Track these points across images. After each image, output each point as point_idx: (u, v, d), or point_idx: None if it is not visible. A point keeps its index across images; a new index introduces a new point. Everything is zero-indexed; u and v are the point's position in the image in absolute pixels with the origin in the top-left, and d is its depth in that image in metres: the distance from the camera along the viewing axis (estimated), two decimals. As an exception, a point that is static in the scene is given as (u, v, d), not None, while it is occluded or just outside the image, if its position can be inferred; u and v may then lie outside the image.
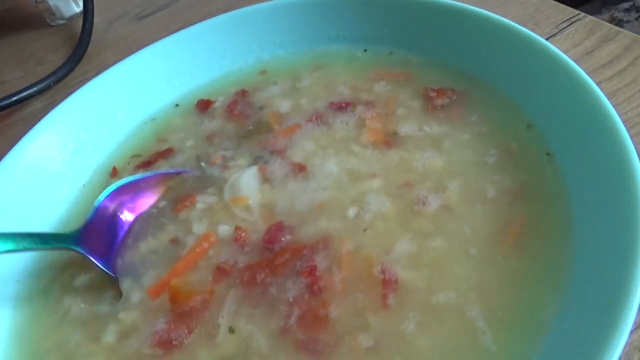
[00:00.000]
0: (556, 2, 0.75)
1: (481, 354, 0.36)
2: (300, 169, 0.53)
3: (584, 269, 0.37)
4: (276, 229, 0.47)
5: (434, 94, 0.58)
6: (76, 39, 0.96)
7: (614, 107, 0.58)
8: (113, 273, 0.47)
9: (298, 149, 0.56)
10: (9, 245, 0.43)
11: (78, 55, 0.92)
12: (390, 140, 0.55)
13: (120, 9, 1.06)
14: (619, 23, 1.63)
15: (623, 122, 0.56)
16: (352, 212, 0.48)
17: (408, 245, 0.44)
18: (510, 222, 0.44)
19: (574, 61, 0.64)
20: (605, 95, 0.59)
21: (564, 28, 0.70)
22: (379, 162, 0.53)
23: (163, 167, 0.60)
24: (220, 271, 0.45)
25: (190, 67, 0.69)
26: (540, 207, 0.45)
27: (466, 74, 0.59)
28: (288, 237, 0.46)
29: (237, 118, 0.62)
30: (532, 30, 0.71)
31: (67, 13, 1.04)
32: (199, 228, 0.50)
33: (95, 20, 0.99)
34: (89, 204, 0.54)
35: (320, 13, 0.65)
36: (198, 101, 0.66)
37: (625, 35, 0.66)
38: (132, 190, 0.52)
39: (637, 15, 1.66)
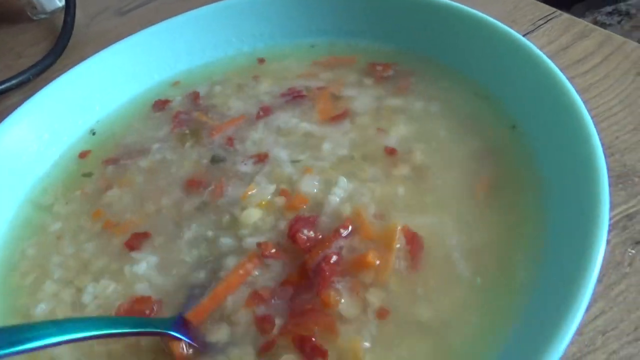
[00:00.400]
0: (534, 0, 0.76)
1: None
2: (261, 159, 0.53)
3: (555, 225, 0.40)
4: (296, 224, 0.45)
5: (380, 68, 0.61)
6: (57, 33, 0.95)
7: (586, 101, 0.59)
8: None
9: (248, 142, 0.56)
10: (103, 328, 0.37)
11: (59, 49, 0.92)
12: (345, 114, 0.57)
13: (102, 4, 1.05)
14: (602, 26, 1.64)
15: (594, 117, 0.57)
16: (339, 191, 0.48)
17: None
18: (479, 179, 0.48)
19: (550, 57, 0.65)
20: (579, 91, 0.60)
21: (540, 25, 0.71)
22: (335, 136, 0.55)
23: (130, 166, 0.59)
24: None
25: (170, 60, 0.68)
26: (507, 165, 0.48)
27: (417, 54, 0.61)
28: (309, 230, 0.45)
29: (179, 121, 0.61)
30: (510, 26, 0.72)
31: (49, 7, 1.03)
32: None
33: (77, 14, 0.99)
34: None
35: (301, 6, 0.65)
36: (155, 101, 0.65)
37: (599, 32, 0.67)
38: None
39: (619, 18, 1.69)
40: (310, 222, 0.45)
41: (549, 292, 0.34)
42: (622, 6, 1.72)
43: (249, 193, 0.49)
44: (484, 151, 0.50)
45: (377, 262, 0.42)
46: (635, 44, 0.64)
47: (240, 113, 0.60)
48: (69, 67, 0.88)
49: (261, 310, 0.41)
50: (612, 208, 0.48)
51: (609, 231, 0.47)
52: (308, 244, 0.44)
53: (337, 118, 0.56)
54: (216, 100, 0.64)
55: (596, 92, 0.59)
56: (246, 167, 0.53)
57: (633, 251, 0.45)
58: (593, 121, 0.56)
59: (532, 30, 0.70)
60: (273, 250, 0.44)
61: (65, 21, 0.96)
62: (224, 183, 0.52)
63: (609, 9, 1.72)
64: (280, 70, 0.65)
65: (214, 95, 0.64)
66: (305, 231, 0.44)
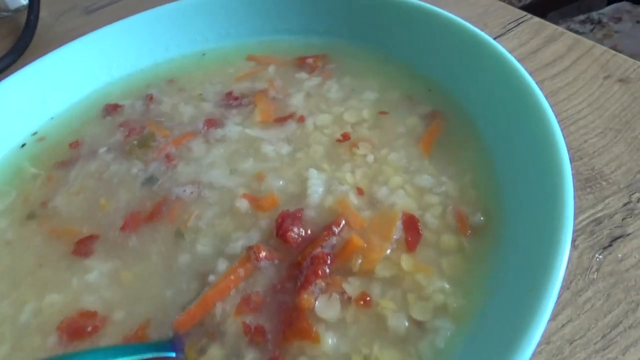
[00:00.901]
0: (504, 4, 0.75)
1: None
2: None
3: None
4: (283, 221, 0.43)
5: (310, 60, 0.61)
6: (21, 31, 0.91)
7: (555, 104, 0.59)
8: None
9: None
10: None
11: (20, 48, 0.88)
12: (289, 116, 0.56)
13: (69, 3, 1.02)
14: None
15: (563, 120, 0.56)
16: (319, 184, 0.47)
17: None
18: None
19: (520, 60, 0.65)
20: (549, 94, 0.60)
21: (511, 28, 0.70)
22: (281, 136, 0.54)
23: (79, 171, 0.55)
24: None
25: (130, 58, 0.66)
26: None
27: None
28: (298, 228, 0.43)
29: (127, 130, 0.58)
30: (481, 29, 0.71)
31: (13, 5, 1.00)
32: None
33: (43, 13, 0.96)
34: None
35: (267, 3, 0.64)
36: (106, 105, 0.62)
37: (569, 36, 0.67)
38: None
39: (591, 27, 1.72)
40: (297, 218, 0.43)
41: (508, 308, 0.33)
42: (595, 15, 1.75)
43: (189, 223, 0.46)
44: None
45: (365, 245, 0.41)
46: (604, 47, 0.64)
47: (189, 120, 0.58)
48: (30, 66, 0.85)
49: (250, 319, 0.39)
50: (579, 212, 0.48)
51: (577, 236, 0.46)
52: (300, 241, 0.42)
53: (281, 120, 0.55)
54: (165, 106, 0.61)
55: (565, 96, 0.59)
56: (184, 193, 0.49)
57: (600, 257, 0.44)
58: (561, 125, 0.56)
59: (503, 34, 0.69)
60: (264, 254, 0.42)
61: (28, 19, 0.92)
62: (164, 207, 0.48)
63: (581, 17, 1.75)
64: (220, 70, 0.64)
65: (162, 101, 0.61)
66: (296, 229, 0.42)
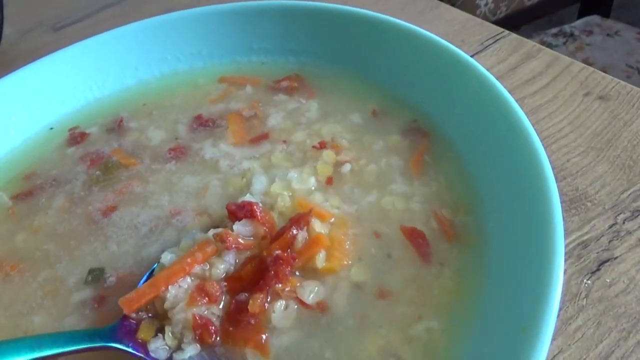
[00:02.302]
0: (482, 20, 0.75)
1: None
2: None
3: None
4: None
5: (285, 83, 0.59)
6: (-18, 49, 0.87)
7: (536, 122, 0.58)
8: None
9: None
10: (30, 351, 0.33)
11: (-18, 67, 0.84)
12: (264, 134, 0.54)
13: (35, 19, 0.98)
14: (548, 47, 1.70)
15: (545, 139, 0.56)
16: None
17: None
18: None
19: (499, 77, 0.64)
20: (529, 112, 0.59)
21: (489, 45, 0.70)
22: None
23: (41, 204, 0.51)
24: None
25: (98, 79, 0.63)
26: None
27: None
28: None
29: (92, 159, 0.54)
30: (459, 46, 0.71)
31: (-25, 22, 0.95)
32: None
33: (8, 30, 0.92)
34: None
35: (239, 23, 0.61)
36: (70, 134, 0.57)
37: (547, 52, 0.67)
38: None
39: (564, 40, 1.75)
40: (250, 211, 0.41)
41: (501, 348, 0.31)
42: (567, 28, 1.78)
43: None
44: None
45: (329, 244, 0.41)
46: (582, 64, 0.64)
47: (159, 142, 0.55)
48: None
49: (202, 310, 0.36)
50: (566, 235, 0.46)
51: (565, 260, 0.45)
52: (265, 220, 0.41)
53: (255, 140, 0.54)
54: (134, 132, 0.57)
55: (545, 114, 0.58)
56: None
57: (589, 282, 0.43)
58: (543, 144, 0.55)
59: (481, 50, 0.69)
60: (230, 239, 0.39)
61: (-10, 37, 0.88)
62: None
63: (554, 30, 1.79)
64: (190, 93, 0.61)
65: (129, 128, 0.58)
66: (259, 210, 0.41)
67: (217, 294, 0.37)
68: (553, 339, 0.40)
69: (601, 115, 0.57)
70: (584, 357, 0.39)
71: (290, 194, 0.46)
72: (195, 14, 0.62)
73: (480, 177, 0.45)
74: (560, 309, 0.41)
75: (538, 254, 0.32)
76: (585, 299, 0.42)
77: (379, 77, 0.57)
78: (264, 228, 0.41)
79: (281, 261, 0.38)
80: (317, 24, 0.59)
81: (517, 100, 0.60)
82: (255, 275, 0.38)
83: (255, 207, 0.41)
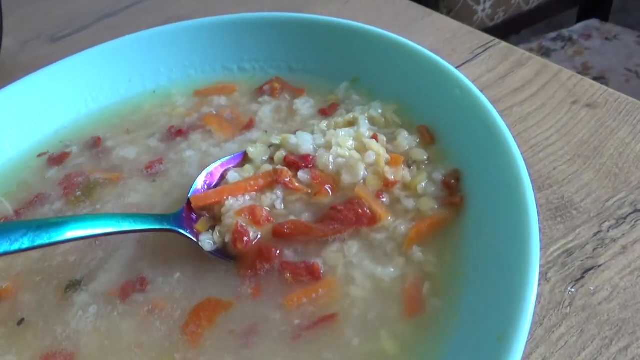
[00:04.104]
0: (473, 29, 0.76)
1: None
2: None
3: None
4: None
5: (267, 87, 0.61)
6: (-18, 61, 0.89)
7: (524, 131, 0.58)
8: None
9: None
10: (112, 224, 0.41)
11: (-19, 79, 0.85)
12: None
13: (34, 30, 0.99)
14: (547, 52, 1.70)
15: (532, 147, 0.56)
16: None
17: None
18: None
19: (487, 86, 0.65)
20: (517, 120, 0.60)
21: (479, 54, 0.70)
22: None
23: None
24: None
25: (92, 91, 0.64)
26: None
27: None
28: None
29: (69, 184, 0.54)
30: (449, 55, 0.71)
31: (-25, 34, 0.97)
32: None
33: (7, 41, 0.93)
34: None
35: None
36: (49, 157, 0.57)
37: (536, 60, 0.67)
38: (222, 170, 0.50)
39: (563, 44, 1.75)
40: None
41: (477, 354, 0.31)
42: (565, 32, 1.79)
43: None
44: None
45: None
46: (571, 72, 0.64)
47: (132, 161, 0.56)
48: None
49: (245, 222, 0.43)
50: (551, 243, 0.47)
51: (548, 269, 0.45)
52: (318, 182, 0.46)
53: (245, 129, 0.56)
54: (113, 150, 0.57)
55: (534, 122, 0.59)
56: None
57: (573, 290, 0.43)
58: (531, 152, 0.56)
59: (471, 59, 0.69)
60: (287, 179, 0.46)
61: (-10, 49, 0.90)
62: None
63: (552, 34, 1.79)
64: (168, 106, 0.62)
65: (110, 147, 0.58)
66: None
67: (261, 218, 0.44)
68: (536, 347, 0.40)
69: (588, 123, 0.58)
70: (566, 365, 0.39)
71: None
72: (188, 27, 0.63)
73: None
74: (544, 317, 0.42)
75: (513, 261, 0.32)
76: (569, 307, 0.42)
77: (368, 85, 0.58)
78: (316, 182, 0.46)
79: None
80: (302, 33, 0.60)
81: (505, 109, 0.61)
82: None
83: (312, 158, 0.47)
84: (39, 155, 0.58)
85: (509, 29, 1.97)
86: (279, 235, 0.43)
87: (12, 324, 0.42)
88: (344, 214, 0.43)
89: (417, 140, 0.50)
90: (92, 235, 0.39)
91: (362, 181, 0.46)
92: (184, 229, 0.44)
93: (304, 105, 0.58)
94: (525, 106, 0.61)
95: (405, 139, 0.50)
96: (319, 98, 0.59)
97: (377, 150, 0.47)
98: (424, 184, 0.46)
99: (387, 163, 0.47)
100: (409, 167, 0.48)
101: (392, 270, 0.41)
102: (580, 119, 0.58)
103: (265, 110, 0.58)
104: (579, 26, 1.81)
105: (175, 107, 0.61)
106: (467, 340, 0.32)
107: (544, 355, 0.40)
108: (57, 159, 0.57)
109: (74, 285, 0.44)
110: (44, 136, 0.61)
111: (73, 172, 0.55)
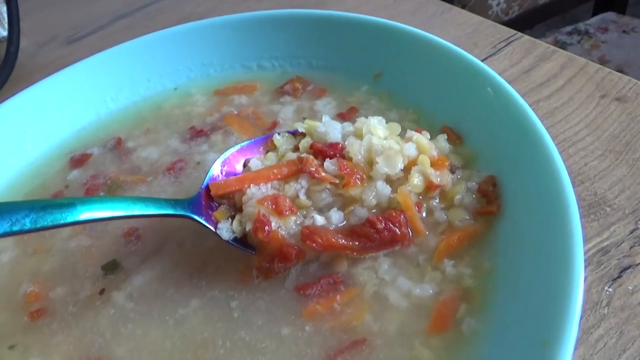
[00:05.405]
0: (494, 23, 0.74)
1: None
2: None
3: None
4: None
5: (288, 87, 0.60)
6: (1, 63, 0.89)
7: (552, 126, 0.57)
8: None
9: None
10: (122, 207, 0.39)
11: (1, 80, 0.86)
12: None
13: (50, 32, 1.00)
14: (563, 46, 1.68)
15: (561, 142, 0.55)
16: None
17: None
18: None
19: (512, 81, 0.63)
20: (544, 115, 0.58)
21: (502, 48, 0.69)
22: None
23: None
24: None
25: (111, 91, 0.63)
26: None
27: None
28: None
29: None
30: (471, 50, 0.70)
31: (-8, 36, 0.97)
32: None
33: (23, 43, 0.93)
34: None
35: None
36: (71, 157, 0.57)
37: (561, 54, 0.66)
38: (240, 156, 0.49)
39: (579, 38, 1.72)
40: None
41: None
42: (581, 26, 1.76)
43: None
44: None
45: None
46: (598, 65, 0.63)
47: (155, 164, 0.55)
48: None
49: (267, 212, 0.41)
50: (585, 241, 0.45)
51: (584, 267, 0.44)
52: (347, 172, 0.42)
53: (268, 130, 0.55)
54: (134, 151, 0.57)
55: (561, 117, 0.57)
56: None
57: (610, 289, 0.42)
58: (560, 147, 0.54)
59: (494, 54, 0.68)
60: (313, 168, 0.42)
61: (7, 51, 0.90)
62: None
63: (568, 28, 1.76)
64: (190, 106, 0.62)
65: (131, 148, 0.58)
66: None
67: (284, 207, 0.41)
68: (574, 349, 0.39)
69: (619, 117, 0.56)
70: (607, 367, 0.38)
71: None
72: (206, 25, 0.63)
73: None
74: (581, 318, 0.41)
75: (556, 263, 0.31)
76: (606, 307, 0.41)
77: (389, 85, 0.57)
78: (344, 172, 0.43)
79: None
80: (323, 29, 0.59)
81: (531, 104, 0.60)
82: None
83: (341, 147, 0.45)
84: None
85: (523, 24, 1.94)
86: (308, 245, 0.40)
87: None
88: (382, 235, 0.40)
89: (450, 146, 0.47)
90: (100, 218, 0.37)
91: (396, 178, 0.43)
92: (199, 216, 0.42)
93: (326, 107, 0.57)
94: (552, 101, 0.60)
95: (445, 141, 0.47)
96: (340, 100, 0.58)
97: (425, 145, 0.44)
98: (460, 195, 0.43)
99: (432, 164, 0.44)
100: (452, 172, 0.45)
101: (428, 286, 0.39)
102: (610, 113, 0.57)
103: (287, 112, 0.57)
104: (595, 19, 1.78)
105: (195, 106, 0.61)
106: (509, 346, 0.31)
107: (583, 357, 0.38)
108: (78, 160, 0.56)
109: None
110: (65, 137, 0.60)
111: (96, 173, 0.54)
